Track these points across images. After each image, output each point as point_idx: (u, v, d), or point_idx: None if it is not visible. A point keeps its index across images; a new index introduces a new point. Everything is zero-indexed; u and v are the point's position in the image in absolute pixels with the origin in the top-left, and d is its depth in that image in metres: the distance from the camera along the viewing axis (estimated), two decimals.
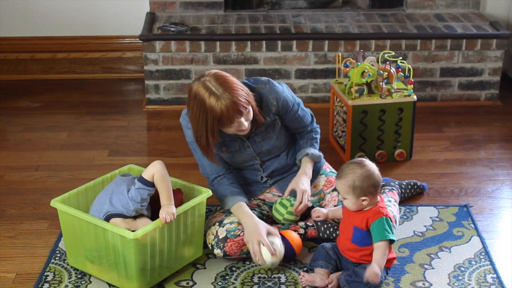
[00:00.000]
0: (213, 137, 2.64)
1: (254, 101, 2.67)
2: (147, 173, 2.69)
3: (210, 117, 2.58)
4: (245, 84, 2.73)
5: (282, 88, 2.84)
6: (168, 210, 2.61)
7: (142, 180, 2.69)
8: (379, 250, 2.59)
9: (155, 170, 2.69)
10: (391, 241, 2.61)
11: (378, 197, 2.65)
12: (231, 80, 2.61)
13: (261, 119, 2.74)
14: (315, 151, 2.97)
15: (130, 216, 2.65)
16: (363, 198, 2.59)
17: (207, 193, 2.78)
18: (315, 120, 3.05)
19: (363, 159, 2.66)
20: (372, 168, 2.61)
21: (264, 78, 2.83)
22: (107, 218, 2.64)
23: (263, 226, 2.72)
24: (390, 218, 2.62)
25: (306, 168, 2.93)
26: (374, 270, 2.55)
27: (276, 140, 2.89)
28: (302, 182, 2.88)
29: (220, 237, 2.77)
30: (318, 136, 3.03)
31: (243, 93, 2.60)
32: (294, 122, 2.93)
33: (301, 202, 2.85)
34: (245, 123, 2.64)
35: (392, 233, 2.60)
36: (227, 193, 2.82)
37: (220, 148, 2.80)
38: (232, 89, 2.57)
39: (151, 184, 2.69)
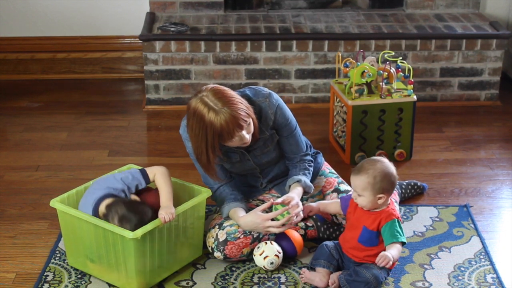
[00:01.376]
0: (214, 153, 2.61)
1: (254, 113, 2.64)
2: (149, 170, 2.76)
3: (210, 133, 2.55)
4: (244, 95, 2.71)
5: (282, 103, 2.80)
6: (167, 210, 2.61)
7: (144, 172, 2.75)
8: (394, 247, 2.57)
9: (156, 171, 2.74)
10: (403, 244, 2.62)
11: (389, 198, 2.65)
12: (229, 94, 2.58)
13: (257, 133, 2.70)
14: (307, 180, 2.87)
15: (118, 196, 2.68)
16: (380, 195, 2.58)
17: (207, 193, 2.78)
18: (311, 151, 2.99)
19: (380, 157, 2.66)
20: (392, 166, 2.62)
21: (265, 91, 2.78)
22: (96, 206, 2.64)
23: (258, 212, 2.72)
24: (400, 220, 2.62)
25: (298, 189, 2.81)
26: (385, 254, 2.53)
27: (274, 151, 2.87)
28: (297, 198, 2.76)
29: (220, 240, 2.77)
30: (311, 169, 2.92)
31: (243, 106, 2.57)
32: (289, 143, 2.86)
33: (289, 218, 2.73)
34: (247, 136, 2.61)
35: (403, 235, 2.61)
36: (226, 201, 2.81)
37: (221, 158, 2.79)
38: (231, 103, 2.54)
39: (147, 180, 2.73)
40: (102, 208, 2.63)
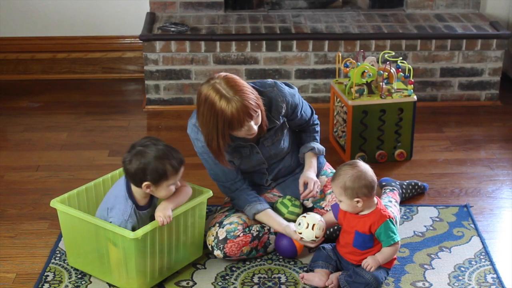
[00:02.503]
0: (224, 140, 2.61)
1: (263, 105, 2.65)
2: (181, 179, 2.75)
3: (221, 120, 2.55)
4: (252, 87, 2.71)
5: (288, 89, 2.82)
6: (165, 213, 2.58)
7: None
8: (390, 249, 2.62)
9: (184, 184, 2.73)
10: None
11: (375, 199, 2.64)
12: (241, 83, 2.58)
13: (266, 125, 2.71)
14: (319, 145, 2.99)
15: None
16: (356, 199, 2.58)
17: (207, 193, 2.78)
18: (314, 111, 3.04)
19: (357, 160, 2.66)
20: (364, 169, 2.61)
21: (270, 81, 2.80)
22: (128, 182, 2.62)
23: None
24: (392, 218, 2.63)
25: (312, 162, 2.95)
26: (376, 259, 2.60)
27: (283, 143, 2.88)
28: (312, 174, 2.91)
29: (220, 238, 2.77)
30: (319, 128, 3.05)
31: (253, 96, 2.58)
32: (299, 120, 2.93)
33: (311, 191, 2.86)
34: (255, 127, 2.62)
35: (397, 233, 2.63)
36: (253, 200, 2.82)
37: (232, 154, 2.80)
38: (243, 92, 2.55)
39: None
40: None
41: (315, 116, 3.04)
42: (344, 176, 2.58)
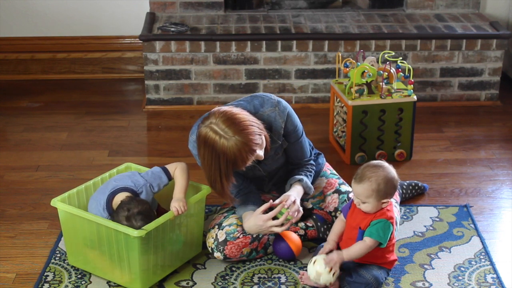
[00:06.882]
0: (228, 181, 2.56)
1: (265, 130, 2.59)
2: (170, 167, 2.78)
3: (223, 162, 2.49)
4: (252, 106, 2.65)
5: (291, 110, 2.76)
6: (180, 203, 2.65)
7: (165, 169, 2.77)
8: (361, 245, 2.57)
9: (178, 165, 2.77)
10: (380, 244, 2.59)
11: None
12: (239, 119, 2.49)
13: (269, 146, 2.65)
14: (308, 180, 2.84)
15: (138, 193, 2.67)
16: (384, 200, 2.58)
17: (206, 190, 2.79)
18: (314, 151, 2.98)
19: (381, 161, 2.64)
20: (392, 169, 2.61)
21: (273, 99, 2.71)
22: (112, 194, 2.65)
23: (258, 215, 2.70)
24: (392, 223, 2.60)
25: (296, 190, 2.79)
26: (339, 256, 2.56)
27: (282, 157, 2.85)
28: (293, 194, 2.77)
29: (220, 240, 2.77)
30: (313, 172, 2.91)
31: (254, 128, 2.51)
32: (295, 149, 2.83)
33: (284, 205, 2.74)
34: (261, 153, 2.57)
35: (386, 239, 2.58)
36: (244, 203, 2.80)
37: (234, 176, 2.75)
38: (242, 130, 2.47)
39: (169, 176, 2.75)
40: (117, 199, 2.64)
41: (313, 162, 2.91)
42: (377, 178, 2.54)
